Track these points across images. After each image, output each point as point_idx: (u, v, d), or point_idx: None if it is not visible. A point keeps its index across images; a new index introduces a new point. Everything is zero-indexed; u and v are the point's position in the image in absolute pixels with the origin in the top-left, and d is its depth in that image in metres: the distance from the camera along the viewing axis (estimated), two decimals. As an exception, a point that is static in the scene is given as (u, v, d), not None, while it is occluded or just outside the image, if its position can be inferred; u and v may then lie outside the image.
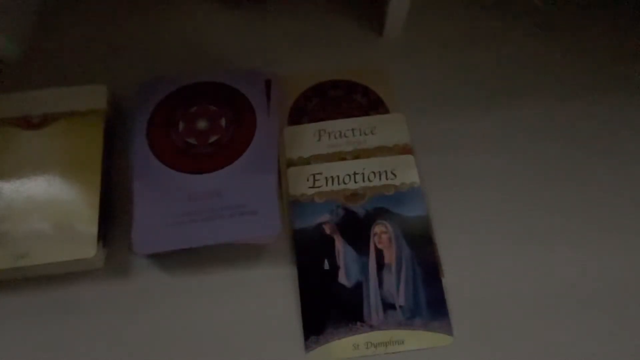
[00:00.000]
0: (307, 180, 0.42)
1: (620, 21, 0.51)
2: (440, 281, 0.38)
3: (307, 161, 0.43)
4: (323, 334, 0.36)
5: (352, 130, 0.44)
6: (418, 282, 0.38)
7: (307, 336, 0.36)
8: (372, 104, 0.46)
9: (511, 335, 0.36)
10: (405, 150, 0.43)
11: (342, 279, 0.38)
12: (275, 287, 0.38)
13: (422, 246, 0.39)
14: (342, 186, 0.41)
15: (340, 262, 0.38)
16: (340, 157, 0.43)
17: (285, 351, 0.36)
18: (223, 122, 0.42)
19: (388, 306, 0.37)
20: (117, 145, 0.44)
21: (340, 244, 0.39)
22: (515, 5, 0.52)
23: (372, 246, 0.39)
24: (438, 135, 0.44)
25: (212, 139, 0.41)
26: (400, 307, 0.37)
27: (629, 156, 0.43)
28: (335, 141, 0.43)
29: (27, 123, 0.41)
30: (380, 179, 0.41)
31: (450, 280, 0.38)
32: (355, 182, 0.41)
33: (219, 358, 0.36)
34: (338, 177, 0.42)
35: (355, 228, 0.40)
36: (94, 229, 0.37)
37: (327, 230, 0.40)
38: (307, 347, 0.36)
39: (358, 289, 0.37)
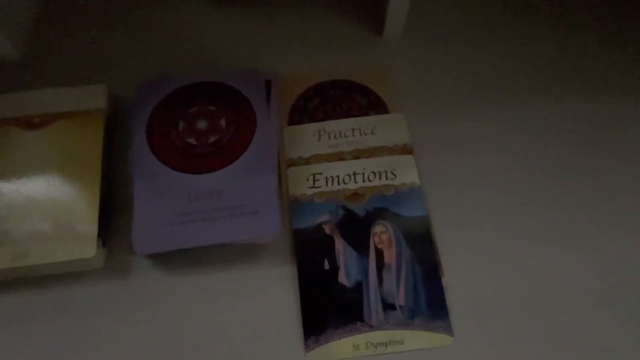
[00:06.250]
0: (307, 180, 0.42)
1: (621, 21, 0.51)
2: (440, 281, 0.38)
3: (307, 161, 0.43)
4: (323, 334, 0.36)
5: (352, 130, 0.44)
6: (418, 282, 0.38)
7: (307, 336, 0.36)
8: (372, 104, 0.46)
9: (511, 335, 0.36)
10: (405, 150, 0.43)
11: (342, 278, 0.38)
12: (275, 287, 0.38)
13: (422, 246, 0.39)
14: (342, 186, 0.41)
15: (340, 262, 0.38)
16: (340, 157, 0.43)
17: (285, 351, 0.36)
18: (223, 122, 0.42)
19: (388, 306, 0.37)
20: (117, 145, 0.44)
21: (340, 244, 0.39)
22: (516, 5, 0.52)
23: (372, 246, 0.39)
24: (438, 135, 0.44)
25: (212, 139, 0.41)
26: (400, 307, 0.37)
27: (629, 156, 0.43)
28: (335, 141, 0.43)
29: (27, 123, 0.41)
30: (380, 179, 0.41)
31: (450, 280, 0.38)
32: (355, 182, 0.41)
33: (219, 358, 0.36)
34: (338, 177, 0.42)
35: (355, 228, 0.40)
36: (94, 229, 0.37)
37: (327, 230, 0.40)
38: (307, 347, 0.36)
39: (358, 289, 0.37)
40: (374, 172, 0.42)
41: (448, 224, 0.40)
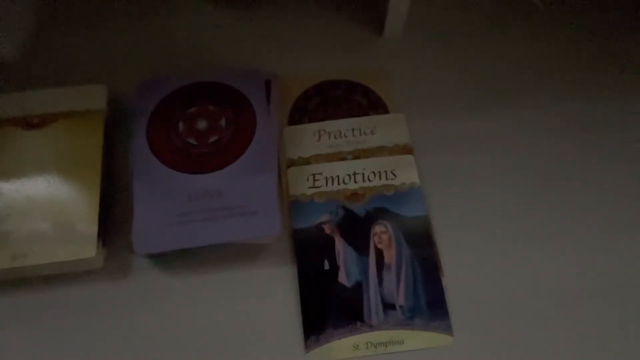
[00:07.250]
0: (307, 180, 0.42)
1: (619, 21, 0.51)
2: (440, 281, 0.38)
3: (307, 161, 0.43)
4: (323, 334, 0.36)
5: (352, 130, 0.44)
6: (418, 282, 0.38)
7: (307, 336, 0.36)
8: (372, 104, 0.46)
9: (511, 335, 0.36)
10: (405, 150, 0.43)
11: (342, 279, 0.38)
12: (275, 287, 0.38)
13: (422, 246, 0.39)
14: (342, 186, 0.41)
15: (340, 262, 0.38)
16: (340, 157, 0.43)
17: (285, 351, 0.36)
18: (223, 122, 0.42)
19: (388, 306, 0.37)
20: (117, 145, 0.44)
21: (340, 244, 0.39)
22: (515, 5, 0.52)
23: (372, 246, 0.39)
24: (438, 135, 0.44)
25: (212, 139, 0.41)
26: (400, 307, 0.37)
27: (628, 156, 0.43)
28: (335, 141, 0.43)
29: (27, 123, 0.41)
30: (380, 179, 0.41)
31: (450, 280, 0.38)
32: (355, 182, 0.41)
33: (219, 358, 0.36)
34: (338, 177, 0.42)
35: (355, 228, 0.40)
36: (94, 229, 0.37)
37: (327, 230, 0.40)
38: (307, 347, 0.36)
39: (358, 289, 0.37)
40: (374, 172, 0.42)
41: (448, 224, 0.40)
